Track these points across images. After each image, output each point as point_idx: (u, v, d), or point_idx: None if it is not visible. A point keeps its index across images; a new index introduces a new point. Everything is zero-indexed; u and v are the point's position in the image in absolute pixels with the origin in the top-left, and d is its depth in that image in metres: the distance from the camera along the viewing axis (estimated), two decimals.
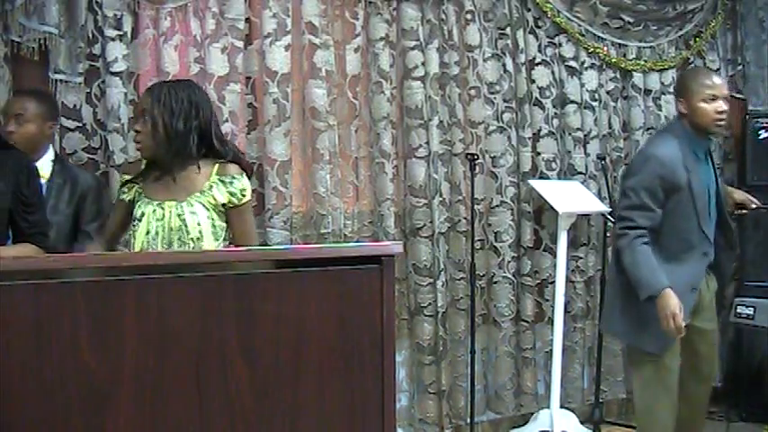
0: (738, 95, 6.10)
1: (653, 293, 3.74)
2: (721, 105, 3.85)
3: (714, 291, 4.09)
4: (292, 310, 2.37)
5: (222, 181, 3.38)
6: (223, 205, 3.39)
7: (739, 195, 4.43)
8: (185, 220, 3.33)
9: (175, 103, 3.30)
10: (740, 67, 6.13)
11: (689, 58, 5.88)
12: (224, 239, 3.44)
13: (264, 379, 2.35)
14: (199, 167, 3.37)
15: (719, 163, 5.94)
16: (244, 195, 3.42)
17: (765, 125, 5.65)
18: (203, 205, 3.36)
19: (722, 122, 3.89)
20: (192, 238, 3.33)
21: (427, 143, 4.93)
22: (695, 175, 3.87)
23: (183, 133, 3.31)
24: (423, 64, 4.92)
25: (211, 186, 3.37)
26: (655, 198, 3.83)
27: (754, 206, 4.36)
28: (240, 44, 4.49)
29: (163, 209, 3.35)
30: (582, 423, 5.21)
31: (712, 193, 3.97)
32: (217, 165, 3.40)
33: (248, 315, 2.33)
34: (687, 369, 4.01)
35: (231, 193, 3.39)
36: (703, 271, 3.95)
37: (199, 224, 3.34)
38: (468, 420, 5.01)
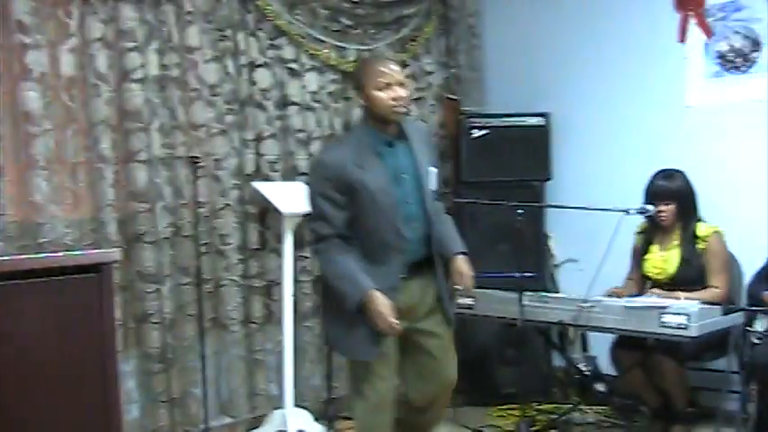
0: (452, 97, 6.40)
1: (358, 300, 3.64)
2: (396, 91, 3.70)
3: (438, 289, 3.94)
4: (8, 324, 2.27)
5: None
6: None
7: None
8: None
9: None
10: (453, 70, 6.42)
11: (405, 61, 6.08)
12: None
13: None
14: None
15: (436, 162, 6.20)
16: None
17: (477, 125, 5.93)
18: None
19: (400, 108, 3.73)
20: None
21: (148, 147, 4.82)
22: (371, 172, 3.71)
23: None
24: (142, 66, 4.80)
25: None
26: (333, 203, 3.70)
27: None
28: None
29: None
30: (316, 420, 5.29)
31: (409, 178, 3.82)
32: None
33: None
34: (415, 373, 3.95)
35: None
36: (401, 270, 3.77)
37: None
38: (203, 426, 4.95)
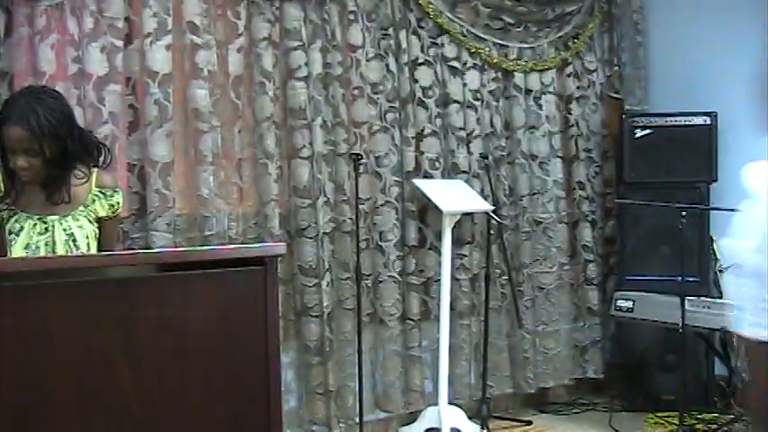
0: (615, 95, 6.27)
1: None
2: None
3: None
4: (176, 313, 2.33)
5: (103, 194, 3.35)
6: (100, 218, 3.36)
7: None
8: (73, 234, 3.27)
9: (56, 125, 3.14)
10: (616, 68, 6.30)
11: (567, 59, 6.01)
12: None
13: (150, 384, 2.31)
14: (77, 178, 3.31)
15: (598, 162, 6.10)
16: (120, 208, 3.44)
17: (641, 124, 5.79)
18: (87, 219, 3.31)
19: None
20: (81, 253, 3.27)
21: (311, 143, 4.91)
22: None
23: (73, 151, 3.22)
24: (306, 64, 4.90)
25: (93, 200, 3.33)
26: None
27: None
28: (120, 43, 4.38)
29: (45, 222, 3.26)
30: (470, 419, 5.28)
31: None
32: (94, 175, 3.34)
33: (131, 320, 2.29)
34: None
35: (111, 206, 3.37)
36: None
37: (87, 237, 3.30)
38: (357, 420, 5.01)
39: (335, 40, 5.06)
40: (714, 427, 5.08)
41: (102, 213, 3.35)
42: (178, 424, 2.37)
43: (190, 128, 4.61)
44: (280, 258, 2.50)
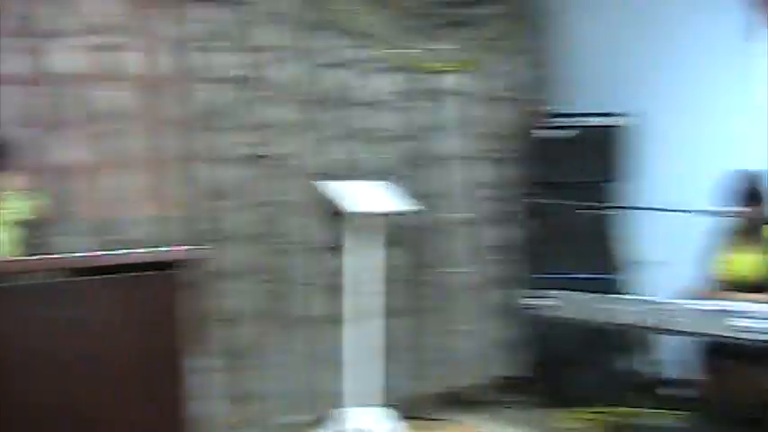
0: (531, 97, 6.36)
1: None
2: None
3: None
4: (91, 317, 2.30)
5: (16, 197, 3.29)
6: (17, 220, 3.30)
7: None
8: None
9: None
10: (533, 71, 6.40)
11: (476, 60, 6.05)
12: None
13: (66, 387, 2.28)
14: None
15: (505, 162, 6.16)
16: (34, 210, 3.36)
17: (555, 125, 5.90)
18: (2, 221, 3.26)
19: None
20: None
21: (218, 145, 4.88)
22: None
23: None
24: (213, 66, 4.87)
25: (6, 201, 3.26)
26: None
27: None
28: (39, 43, 4.30)
29: None
30: (386, 419, 5.27)
31: None
32: (5, 178, 3.28)
33: (47, 323, 2.26)
34: None
35: (26, 208, 3.31)
36: None
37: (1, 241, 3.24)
38: (273, 423, 4.99)
39: (246, 41, 5.00)
40: (630, 421, 5.16)
41: (18, 215, 3.29)
42: (88, 426, 2.34)
43: (108, 130, 4.54)
44: (190, 262, 2.46)
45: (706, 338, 4.59)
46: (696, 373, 5.04)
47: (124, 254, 3.12)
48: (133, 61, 4.65)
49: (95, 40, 4.47)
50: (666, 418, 5.23)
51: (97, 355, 2.32)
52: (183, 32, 4.80)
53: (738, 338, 4.21)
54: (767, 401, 4.72)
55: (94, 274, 2.37)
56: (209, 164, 4.83)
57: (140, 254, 2.84)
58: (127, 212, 4.56)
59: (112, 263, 2.43)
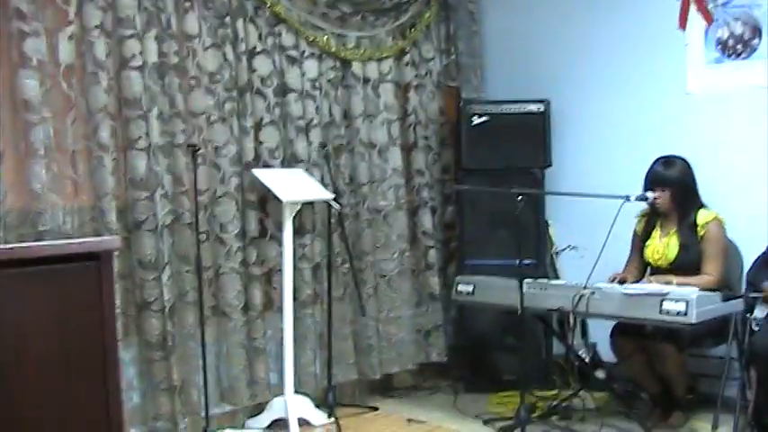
0: (452, 84, 6.40)
1: None
2: None
3: None
4: (8, 312, 2.26)
5: None
6: None
7: None
8: None
9: None
10: (453, 57, 6.43)
11: (405, 48, 6.09)
12: None
13: None
14: None
15: (436, 149, 6.22)
16: None
17: (477, 112, 5.91)
18: None
19: None
20: None
21: (147, 134, 4.79)
22: None
23: None
24: (140, 53, 4.78)
25: None
26: None
27: None
28: None
29: None
30: (317, 407, 5.31)
31: None
32: None
33: None
34: None
35: None
36: None
37: None
38: (203, 414, 4.96)
39: (171, 29, 4.96)
40: (554, 403, 5.25)
41: None
42: (14, 426, 2.30)
43: (19, 119, 4.42)
44: (117, 253, 2.45)
45: (621, 321, 4.71)
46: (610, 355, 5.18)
47: (50, 245, 3.10)
48: (61, 48, 4.56)
49: (15, 26, 4.37)
50: (591, 400, 5.34)
51: (22, 350, 2.29)
52: (109, 19, 4.73)
53: (656, 320, 4.36)
54: (669, 380, 4.87)
55: (19, 267, 2.33)
56: (136, 153, 4.77)
57: (67, 245, 2.80)
58: (51, 203, 4.48)
59: (37, 255, 2.40)
